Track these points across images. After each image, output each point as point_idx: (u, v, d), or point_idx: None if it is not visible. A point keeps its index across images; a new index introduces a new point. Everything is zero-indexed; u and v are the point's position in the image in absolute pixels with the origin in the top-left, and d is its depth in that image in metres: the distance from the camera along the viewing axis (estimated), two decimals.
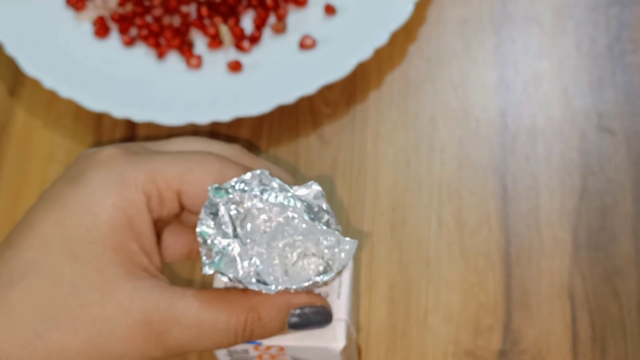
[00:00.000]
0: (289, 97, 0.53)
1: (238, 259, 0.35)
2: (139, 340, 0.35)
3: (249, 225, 0.35)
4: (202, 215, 0.36)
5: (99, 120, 0.56)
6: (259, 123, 0.55)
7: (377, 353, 0.48)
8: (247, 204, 0.35)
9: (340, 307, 0.38)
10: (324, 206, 0.36)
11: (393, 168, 0.53)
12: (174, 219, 0.41)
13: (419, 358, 0.47)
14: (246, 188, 0.36)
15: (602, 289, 0.48)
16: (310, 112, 0.55)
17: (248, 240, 0.35)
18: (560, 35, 0.56)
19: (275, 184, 0.36)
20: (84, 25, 0.58)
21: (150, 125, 0.55)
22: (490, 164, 0.52)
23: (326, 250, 0.35)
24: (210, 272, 0.35)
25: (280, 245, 0.35)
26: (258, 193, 0.35)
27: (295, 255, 0.35)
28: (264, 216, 0.35)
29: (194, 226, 0.40)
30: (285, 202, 0.35)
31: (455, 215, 0.51)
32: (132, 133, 0.56)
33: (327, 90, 0.55)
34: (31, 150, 0.56)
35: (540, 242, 0.50)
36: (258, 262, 0.35)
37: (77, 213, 0.36)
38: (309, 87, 0.53)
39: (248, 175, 0.36)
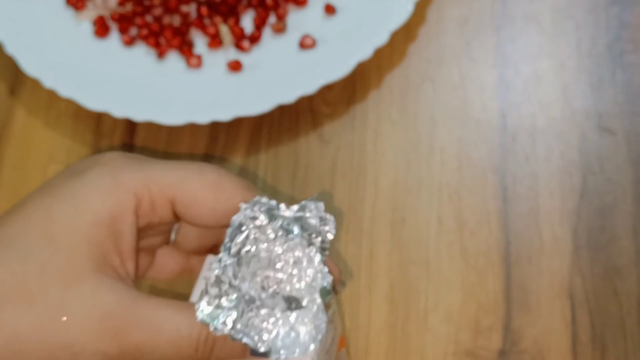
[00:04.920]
0: (289, 96, 0.53)
1: (235, 316, 0.34)
2: (93, 333, 0.35)
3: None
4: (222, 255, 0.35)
5: (99, 119, 0.56)
6: (259, 123, 0.55)
7: (377, 353, 0.48)
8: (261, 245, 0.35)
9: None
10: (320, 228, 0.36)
11: (393, 168, 0.53)
12: (167, 232, 0.41)
13: (419, 358, 0.47)
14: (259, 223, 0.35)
15: (602, 289, 0.48)
16: (310, 112, 0.55)
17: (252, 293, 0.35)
18: (560, 35, 0.56)
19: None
20: (84, 24, 0.58)
21: (150, 125, 0.55)
22: (490, 164, 0.52)
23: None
24: (201, 317, 0.35)
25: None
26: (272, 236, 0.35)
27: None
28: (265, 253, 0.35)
29: (190, 251, 0.41)
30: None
31: (455, 215, 0.51)
32: (132, 133, 0.56)
33: (327, 90, 0.55)
34: (31, 150, 0.56)
35: (540, 242, 0.50)
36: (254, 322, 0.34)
37: (65, 200, 0.36)
38: (309, 86, 0.53)
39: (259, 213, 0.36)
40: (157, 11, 0.57)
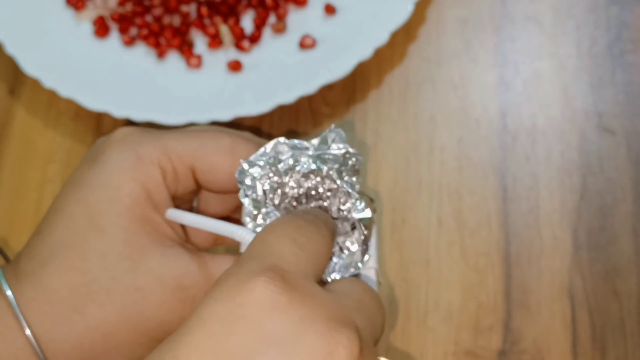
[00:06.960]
0: (289, 97, 0.53)
1: None
2: (174, 306, 0.36)
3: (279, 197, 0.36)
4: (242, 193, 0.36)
5: (99, 120, 0.56)
6: (259, 123, 0.55)
7: (377, 353, 0.48)
8: (282, 178, 0.35)
9: (371, 257, 0.38)
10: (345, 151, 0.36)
11: (393, 168, 0.53)
12: (190, 200, 0.41)
13: (419, 358, 0.47)
14: (281, 158, 0.36)
15: (602, 289, 0.48)
16: (310, 112, 0.55)
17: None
18: (560, 35, 0.56)
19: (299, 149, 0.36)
20: (84, 25, 0.58)
21: (150, 125, 0.55)
22: (490, 164, 0.52)
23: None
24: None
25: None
26: (291, 163, 0.35)
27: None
28: (295, 190, 0.36)
29: (214, 214, 0.41)
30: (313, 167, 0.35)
31: (455, 215, 0.51)
32: None
33: (327, 90, 0.55)
34: (31, 150, 0.56)
35: (540, 242, 0.50)
36: None
37: (98, 189, 0.37)
38: (309, 87, 0.53)
39: (270, 147, 0.36)
40: (157, 11, 0.57)
